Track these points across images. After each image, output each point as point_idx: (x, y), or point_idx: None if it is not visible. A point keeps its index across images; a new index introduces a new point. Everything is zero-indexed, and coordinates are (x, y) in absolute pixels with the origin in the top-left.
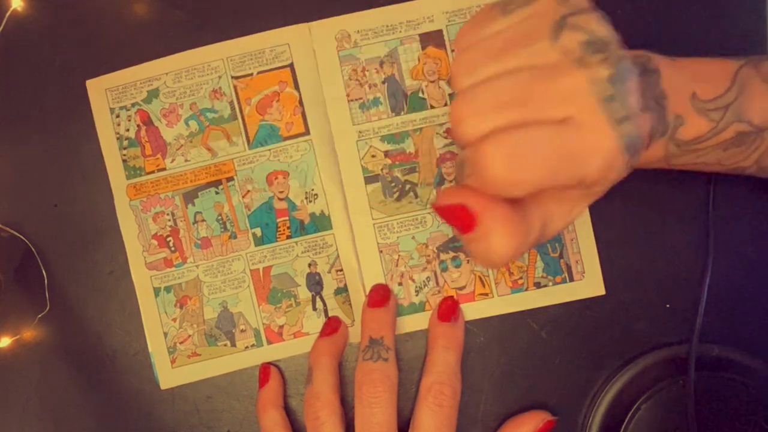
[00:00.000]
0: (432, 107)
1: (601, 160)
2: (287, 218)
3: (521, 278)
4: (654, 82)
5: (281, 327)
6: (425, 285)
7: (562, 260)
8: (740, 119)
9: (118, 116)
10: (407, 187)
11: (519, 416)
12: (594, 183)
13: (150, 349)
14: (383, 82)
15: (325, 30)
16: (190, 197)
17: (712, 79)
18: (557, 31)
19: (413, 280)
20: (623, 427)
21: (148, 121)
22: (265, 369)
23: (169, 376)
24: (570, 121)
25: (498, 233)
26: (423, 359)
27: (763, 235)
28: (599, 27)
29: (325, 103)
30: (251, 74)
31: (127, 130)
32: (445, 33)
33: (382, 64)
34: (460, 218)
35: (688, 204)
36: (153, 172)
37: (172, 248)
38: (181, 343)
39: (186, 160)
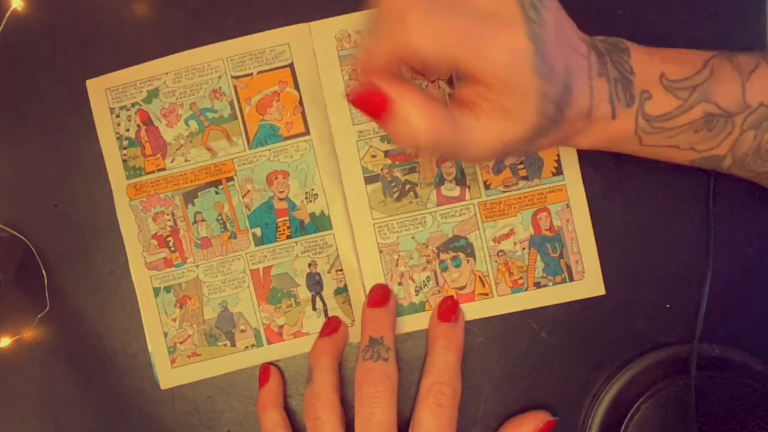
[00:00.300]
0: None
1: (510, 54)
2: (287, 218)
3: (521, 278)
4: (623, 59)
5: (281, 327)
6: (425, 285)
7: (562, 260)
8: (707, 100)
9: (118, 116)
10: (407, 187)
11: (519, 416)
12: (506, 80)
13: (150, 349)
14: None
15: (325, 30)
16: (190, 197)
17: (683, 63)
18: None
19: (413, 280)
20: (623, 427)
21: (148, 121)
22: (265, 369)
23: (169, 376)
24: (493, 14)
25: (415, 112)
26: (423, 359)
27: (763, 235)
28: None
29: (325, 103)
30: (251, 74)
31: (127, 130)
32: None
33: None
34: (374, 103)
35: (689, 204)
36: (153, 172)
37: (172, 248)
38: (181, 343)
39: (186, 160)
